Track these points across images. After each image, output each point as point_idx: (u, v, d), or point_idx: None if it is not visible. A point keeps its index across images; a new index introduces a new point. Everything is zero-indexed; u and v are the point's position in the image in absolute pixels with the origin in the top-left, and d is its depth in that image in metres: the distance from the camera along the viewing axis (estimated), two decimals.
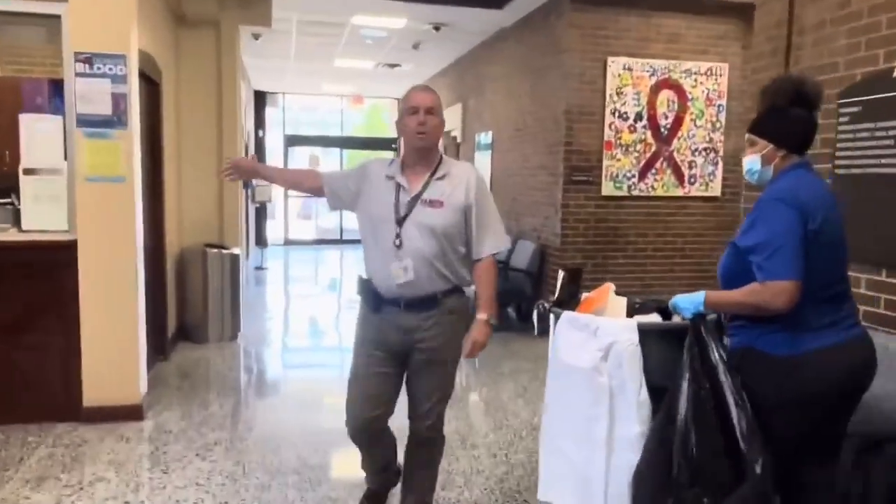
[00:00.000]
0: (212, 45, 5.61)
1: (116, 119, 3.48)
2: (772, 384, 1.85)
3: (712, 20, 6.07)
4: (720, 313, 2.07)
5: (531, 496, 2.97)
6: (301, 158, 14.20)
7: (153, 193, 4.64)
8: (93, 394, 3.58)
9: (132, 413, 3.63)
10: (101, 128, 3.47)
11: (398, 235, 2.22)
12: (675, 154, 6.12)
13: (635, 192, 6.09)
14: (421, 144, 2.28)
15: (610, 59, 5.90)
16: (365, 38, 8.21)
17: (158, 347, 4.81)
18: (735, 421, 1.79)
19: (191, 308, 5.44)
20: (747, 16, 6.01)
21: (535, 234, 6.59)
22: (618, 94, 5.95)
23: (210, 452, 3.29)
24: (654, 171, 6.10)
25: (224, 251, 5.51)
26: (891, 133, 2.60)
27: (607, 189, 6.03)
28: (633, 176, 6.07)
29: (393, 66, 10.02)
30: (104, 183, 3.49)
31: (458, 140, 9.61)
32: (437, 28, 7.35)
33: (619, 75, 5.93)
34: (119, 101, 3.47)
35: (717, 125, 6.19)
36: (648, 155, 6.08)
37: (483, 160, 8.32)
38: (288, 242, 13.95)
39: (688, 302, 2.02)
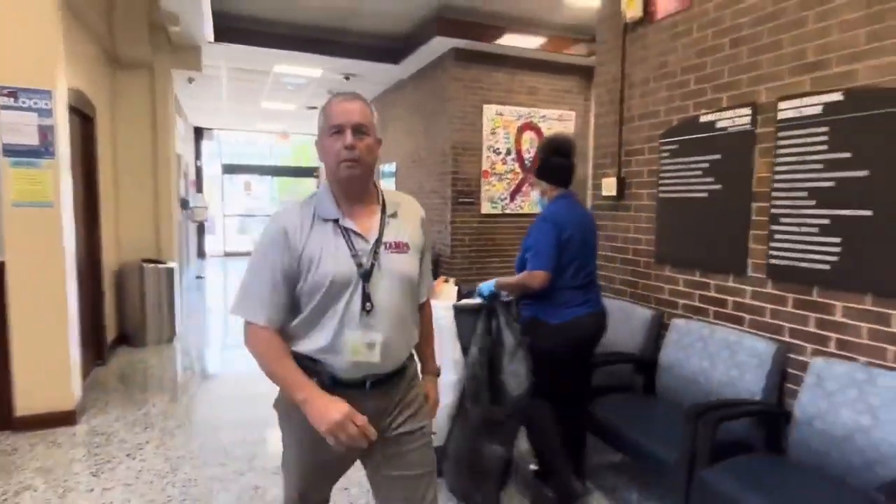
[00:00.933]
0: (146, 86, 5.02)
1: (44, 149, 2.96)
2: (548, 341, 2.29)
3: (561, 78, 6.18)
4: (509, 294, 2.39)
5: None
6: (237, 184, 13.34)
7: (89, 216, 4.06)
8: (25, 402, 3.02)
9: (66, 419, 3.09)
10: (28, 157, 2.93)
11: (366, 296, 1.26)
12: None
13: (507, 211, 6.09)
14: (349, 174, 1.28)
15: (485, 106, 5.86)
16: (287, 85, 7.76)
17: (97, 353, 4.21)
18: (505, 363, 2.21)
19: (130, 316, 4.82)
20: (587, 75, 6.20)
21: (432, 247, 6.44)
22: (492, 133, 5.92)
23: (140, 451, 2.83)
24: (521, 194, 6.13)
25: (160, 265, 4.94)
26: (699, 166, 2.64)
27: (486, 208, 5.99)
28: (506, 198, 6.07)
29: (312, 108, 9.57)
30: (32, 208, 2.95)
31: None
32: (347, 77, 7.05)
33: (493, 119, 5.91)
34: (46, 133, 2.95)
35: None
36: (516, 181, 6.10)
37: (388, 185, 8.10)
38: (227, 254, 13.03)
39: (486, 286, 2.36)
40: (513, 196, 6.10)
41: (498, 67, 5.87)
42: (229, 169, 13.18)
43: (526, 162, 6.11)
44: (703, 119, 2.60)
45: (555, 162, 2.37)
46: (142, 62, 4.88)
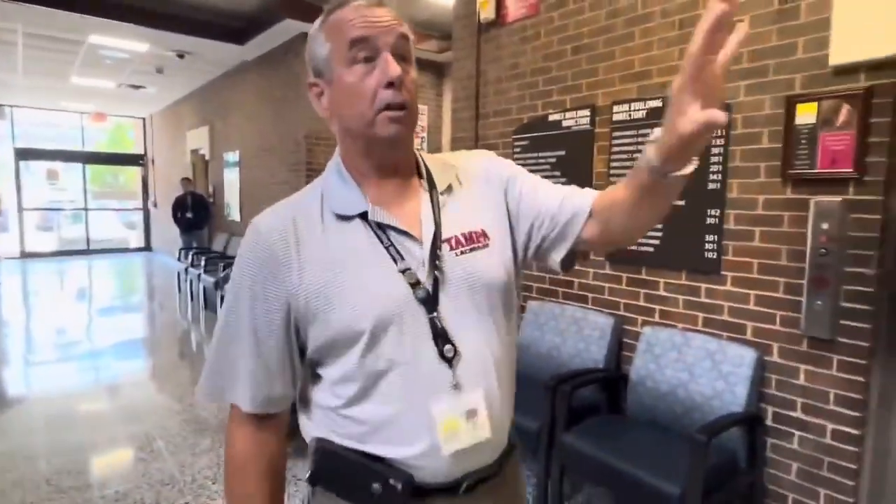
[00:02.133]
0: None
1: None
2: None
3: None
4: None
5: (300, 471, 2.70)
6: (37, 173, 11.29)
7: None
8: None
9: None
10: None
11: (440, 334, 0.75)
12: None
13: None
14: (396, 132, 0.76)
15: None
16: (105, 59, 6.77)
17: None
18: None
19: None
20: (439, 71, 6.41)
21: None
22: None
23: None
24: None
25: None
26: (548, 160, 2.90)
27: None
28: None
29: (136, 87, 8.49)
30: None
31: (207, 158, 8.55)
32: (181, 56, 6.38)
33: None
34: None
35: (421, 150, 6.45)
36: None
37: (232, 175, 7.53)
38: (25, 255, 11.00)
39: None
40: None
41: None
42: (24, 154, 11.11)
43: None
44: (550, 118, 2.86)
45: None
46: None
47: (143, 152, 12.31)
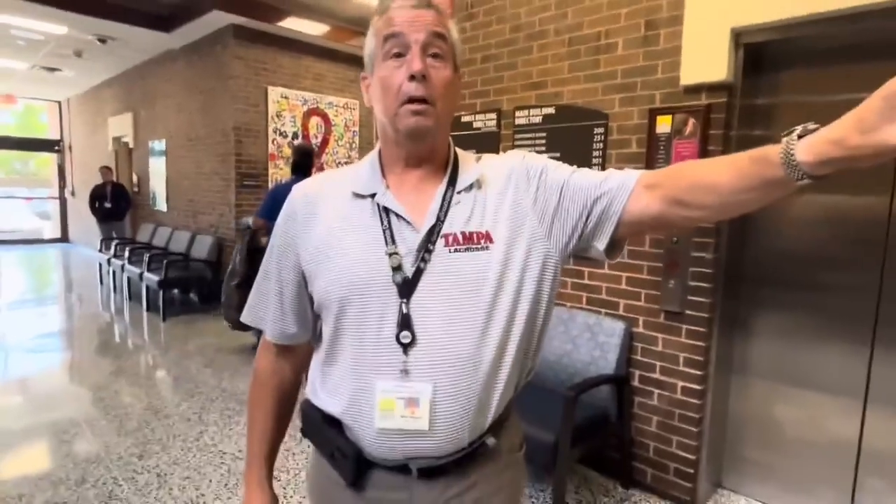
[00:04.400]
0: None
1: None
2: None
3: (347, 67, 6.46)
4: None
5: (226, 447, 2.87)
6: None
7: None
8: None
9: None
10: None
11: (404, 320, 0.80)
12: (325, 165, 6.36)
13: None
14: (415, 124, 0.81)
15: (270, 88, 5.82)
16: (17, 39, 6.46)
17: None
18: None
19: None
20: None
21: (212, 230, 6.15)
22: (278, 116, 5.92)
23: None
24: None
25: None
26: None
27: None
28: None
29: (52, 69, 8.10)
30: None
31: (131, 146, 8.31)
32: (102, 40, 6.21)
33: (278, 101, 5.90)
34: None
35: (353, 145, 6.64)
36: None
37: (158, 164, 7.38)
38: None
39: (245, 221, 4.05)
40: None
41: (282, 50, 5.87)
42: None
43: (314, 147, 6.26)
44: (463, 119, 3.16)
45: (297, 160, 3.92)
46: None
47: (58, 138, 11.65)
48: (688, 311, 2.34)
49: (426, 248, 0.81)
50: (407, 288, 0.80)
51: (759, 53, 2.22)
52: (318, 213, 0.87)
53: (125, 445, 2.85)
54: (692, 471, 2.37)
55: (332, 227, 0.85)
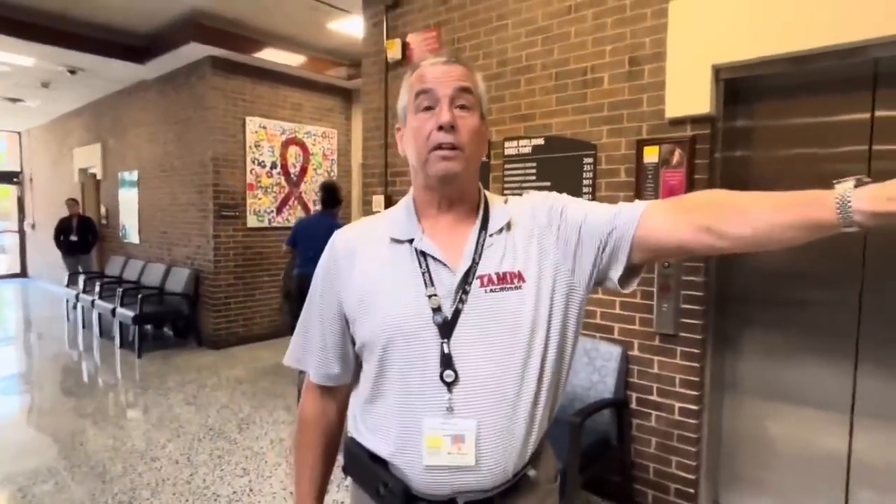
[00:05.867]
0: None
1: None
2: (293, 281, 4.24)
3: (324, 96, 6.50)
4: None
5: (219, 489, 2.78)
6: None
7: None
8: None
9: None
10: None
11: (446, 359, 0.84)
12: (303, 195, 6.35)
13: (274, 224, 6.11)
14: (445, 169, 0.88)
15: (248, 118, 5.81)
16: None
17: None
18: None
19: None
20: (348, 96, 6.66)
21: (188, 262, 6.02)
22: (256, 146, 5.89)
23: None
24: (288, 207, 6.22)
25: None
26: None
27: (252, 222, 5.90)
28: (272, 211, 6.08)
29: (15, 100, 7.88)
30: None
31: (99, 177, 8.09)
32: (72, 71, 6.10)
33: (256, 132, 5.88)
34: None
35: (331, 174, 6.65)
36: (283, 195, 6.17)
37: (129, 196, 7.21)
38: None
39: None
40: (280, 209, 6.15)
41: (260, 80, 5.88)
42: None
43: (292, 176, 6.24)
44: None
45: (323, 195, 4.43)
46: None
47: (18, 169, 11.26)
48: (681, 333, 2.42)
49: (463, 288, 0.86)
50: (447, 328, 0.85)
51: (736, 86, 2.37)
52: (357, 258, 0.93)
53: (112, 493, 2.73)
54: (692, 490, 2.42)
55: (373, 272, 0.90)
